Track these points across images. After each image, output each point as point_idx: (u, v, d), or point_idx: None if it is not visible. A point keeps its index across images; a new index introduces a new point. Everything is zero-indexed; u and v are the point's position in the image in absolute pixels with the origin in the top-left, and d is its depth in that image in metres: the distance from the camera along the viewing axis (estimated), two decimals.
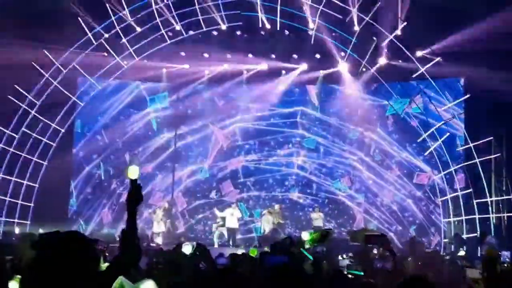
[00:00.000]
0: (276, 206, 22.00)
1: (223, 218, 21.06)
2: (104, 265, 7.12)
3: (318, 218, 21.36)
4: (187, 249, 9.36)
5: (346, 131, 24.02)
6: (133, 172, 3.89)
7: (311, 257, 5.94)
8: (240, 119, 24.73)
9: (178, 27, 21.13)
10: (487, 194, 18.64)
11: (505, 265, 13.83)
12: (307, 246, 7.24)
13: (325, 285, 5.65)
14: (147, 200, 22.88)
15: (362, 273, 6.18)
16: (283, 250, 7.27)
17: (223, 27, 21.19)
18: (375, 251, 12.94)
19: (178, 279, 6.18)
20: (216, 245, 20.37)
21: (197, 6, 20.32)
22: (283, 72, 23.31)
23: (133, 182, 3.83)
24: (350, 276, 6.62)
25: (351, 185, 23.80)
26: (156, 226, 21.29)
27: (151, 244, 18.58)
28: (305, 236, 7.44)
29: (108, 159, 24.26)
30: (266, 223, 21.43)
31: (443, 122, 19.93)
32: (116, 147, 24.34)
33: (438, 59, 18.56)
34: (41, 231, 17.78)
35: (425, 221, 21.87)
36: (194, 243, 9.69)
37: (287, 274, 4.46)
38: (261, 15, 20.44)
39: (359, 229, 20.50)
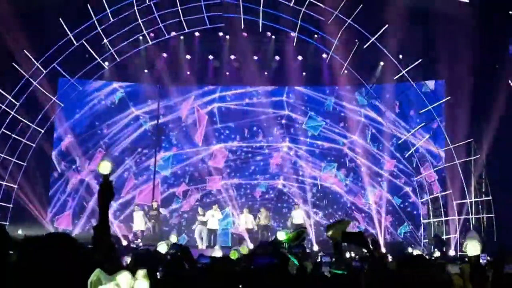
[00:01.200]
0: (262, 210, 21.73)
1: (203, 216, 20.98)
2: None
3: (299, 217, 21.28)
4: (162, 248, 9.27)
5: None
6: (105, 167, 3.86)
7: (296, 261, 5.91)
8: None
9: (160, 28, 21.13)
10: (467, 196, 18.81)
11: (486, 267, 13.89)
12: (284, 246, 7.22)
13: (309, 285, 5.64)
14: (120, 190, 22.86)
15: (346, 272, 6.14)
16: (271, 251, 7.27)
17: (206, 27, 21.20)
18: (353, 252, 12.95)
19: (159, 277, 6.15)
20: (200, 246, 20.29)
21: (179, 8, 20.29)
22: (265, 73, 23.29)
23: (105, 177, 3.80)
24: (331, 274, 6.59)
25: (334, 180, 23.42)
26: (136, 225, 21.18)
27: (132, 245, 18.44)
28: (281, 236, 7.39)
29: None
30: (243, 222, 21.41)
31: (419, 126, 20.21)
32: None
33: (419, 61, 18.71)
34: (20, 232, 17.65)
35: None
36: (170, 241, 9.67)
37: (275, 274, 4.47)
38: (243, 17, 20.46)
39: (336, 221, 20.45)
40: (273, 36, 22.02)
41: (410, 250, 17.59)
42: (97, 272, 3.06)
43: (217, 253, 10.00)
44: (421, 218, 20.90)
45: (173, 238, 9.53)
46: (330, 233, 5.03)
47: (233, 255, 9.67)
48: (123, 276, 3.52)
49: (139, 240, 20.22)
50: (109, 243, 4.05)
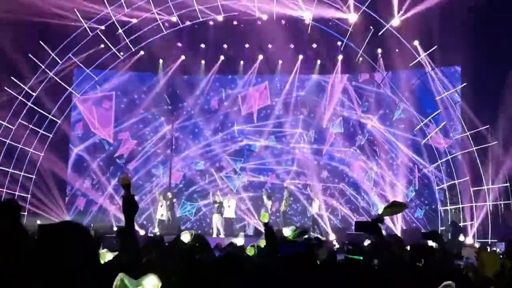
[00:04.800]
0: (285, 193, 21.86)
1: (219, 206, 21.07)
2: (103, 251, 7.17)
3: (315, 207, 21.35)
4: (185, 237, 9.29)
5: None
6: (127, 181, 3.92)
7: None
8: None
9: (174, 18, 21.10)
10: (484, 182, 18.68)
11: (501, 256, 13.78)
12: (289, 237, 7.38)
13: (336, 272, 5.64)
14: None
15: (361, 258, 6.17)
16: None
17: (220, 17, 21.16)
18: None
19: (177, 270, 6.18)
20: (214, 235, 20.33)
21: None
22: (280, 62, 23.18)
23: (127, 190, 3.85)
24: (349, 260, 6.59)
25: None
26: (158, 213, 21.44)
27: (150, 234, 18.58)
28: (286, 232, 7.52)
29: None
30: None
31: (437, 112, 20.10)
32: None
33: (435, 47, 18.55)
34: (38, 222, 17.81)
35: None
36: (193, 231, 9.65)
37: (304, 262, 4.49)
38: (257, 5, 20.39)
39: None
40: (287, 25, 21.85)
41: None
42: (121, 276, 3.08)
43: (240, 241, 9.97)
44: (438, 206, 20.84)
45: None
46: (381, 212, 5.12)
47: (250, 252, 9.60)
48: (149, 280, 3.53)
49: (156, 230, 20.37)
50: (138, 251, 4.11)
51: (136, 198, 4.06)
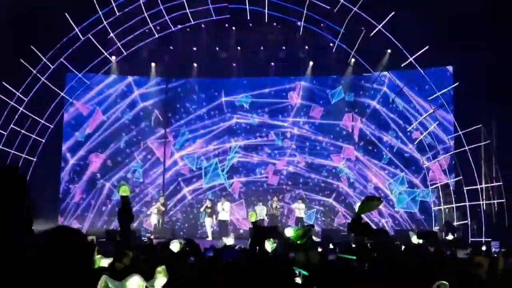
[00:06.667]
0: (275, 199, 21.87)
1: (210, 209, 21.13)
2: (98, 257, 7.14)
3: (300, 209, 21.38)
4: (175, 246, 9.17)
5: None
6: (124, 191, 3.92)
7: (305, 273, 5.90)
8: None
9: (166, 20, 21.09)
10: (477, 182, 18.69)
11: (495, 255, 13.76)
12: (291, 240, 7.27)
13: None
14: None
15: (355, 258, 6.10)
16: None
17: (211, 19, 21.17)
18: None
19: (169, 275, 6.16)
20: (210, 237, 20.37)
21: (184, 0, 20.28)
22: (272, 64, 23.18)
23: (124, 199, 3.86)
24: (341, 259, 6.54)
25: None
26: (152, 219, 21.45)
27: (143, 239, 18.51)
28: (289, 232, 7.41)
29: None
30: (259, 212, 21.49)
31: (428, 113, 20.07)
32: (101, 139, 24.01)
33: (426, 47, 18.53)
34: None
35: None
36: (182, 240, 9.56)
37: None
38: (249, 8, 20.39)
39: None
40: (279, 26, 21.84)
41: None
42: (104, 278, 3.07)
43: (230, 241, 9.98)
44: (432, 205, 20.82)
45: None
46: (357, 211, 5.03)
47: (252, 216, 9.53)
48: (133, 280, 3.51)
49: (149, 234, 20.34)
50: (130, 256, 4.10)
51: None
